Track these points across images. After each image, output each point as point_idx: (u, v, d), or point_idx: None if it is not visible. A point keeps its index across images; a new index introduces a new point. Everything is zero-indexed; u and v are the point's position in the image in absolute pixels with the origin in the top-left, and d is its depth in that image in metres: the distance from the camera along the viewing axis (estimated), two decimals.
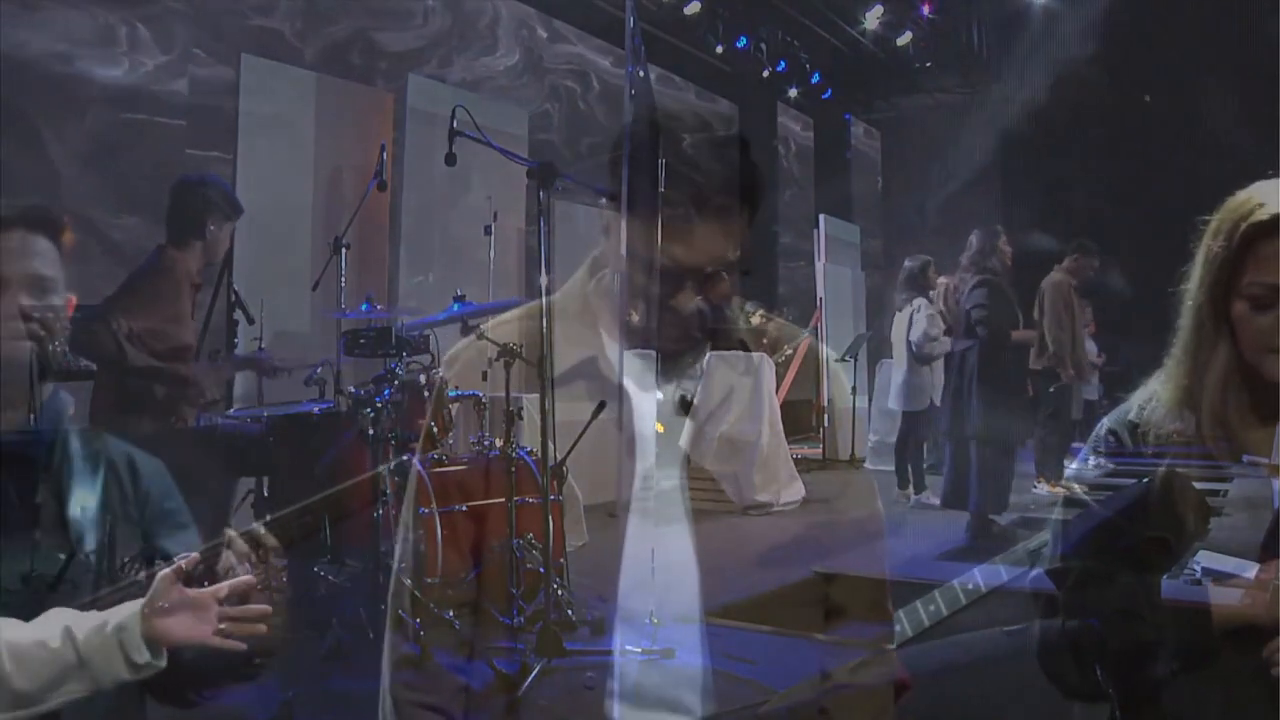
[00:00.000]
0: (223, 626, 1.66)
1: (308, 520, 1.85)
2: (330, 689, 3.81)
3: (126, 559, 1.84)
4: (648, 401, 1.63)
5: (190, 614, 1.64)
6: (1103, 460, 1.75)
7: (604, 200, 1.60)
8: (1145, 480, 1.67)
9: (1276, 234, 1.62)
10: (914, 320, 7.72)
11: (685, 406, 1.65)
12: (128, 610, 1.65)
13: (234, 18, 6.34)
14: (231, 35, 6.28)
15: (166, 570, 1.65)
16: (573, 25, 9.09)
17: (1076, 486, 1.76)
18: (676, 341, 1.62)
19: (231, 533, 1.79)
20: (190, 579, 1.68)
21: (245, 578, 1.72)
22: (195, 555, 1.70)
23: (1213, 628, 1.58)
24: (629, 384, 1.64)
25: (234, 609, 1.68)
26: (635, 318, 1.64)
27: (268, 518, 1.82)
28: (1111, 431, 1.75)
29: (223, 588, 1.68)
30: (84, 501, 1.84)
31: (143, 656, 1.62)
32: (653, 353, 1.66)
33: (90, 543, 1.83)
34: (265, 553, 1.78)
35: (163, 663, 1.65)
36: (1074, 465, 1.79)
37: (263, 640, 1.73)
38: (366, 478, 1.85)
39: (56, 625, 1.65)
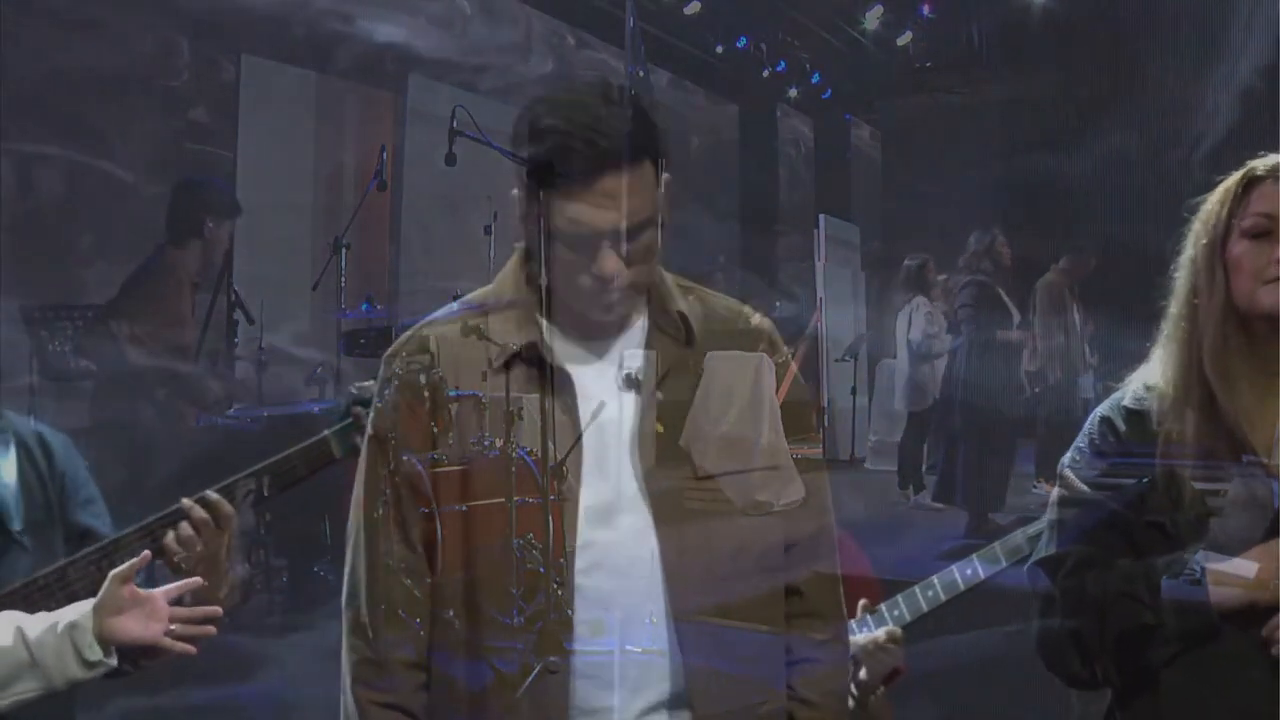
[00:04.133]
0: (173, 627, 1.68)
1: (259, 485, 1.86)
2: (330, 689, 3.81)
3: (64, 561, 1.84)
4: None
5: (142, 613, 1.66)
6: (1088, 448, 1.76)
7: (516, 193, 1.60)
8: (1140, 468, 1.68)
9: (1274, 178, 1.65)
10: (913, 319, 7.75)
11: (630, 383, 1.63)
12: (80, 609, 1.66)
13: (259, 24, 6.33)
14: (251, 40, 6.28)
15: (118, 569, 1.66)
16: (579, 30, 9.10)
17: (1069, 474, 1.76)
18: (606, 310, 1.61)
19: (187, 501, 1.80)
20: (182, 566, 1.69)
21: (193, 579, 1.75)
22: (148, 554, 1.72)
23: (1212, 609, 1.59)
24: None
25: (184, 610, 1.70)
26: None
27: (238, 476, 1.83)
28: (1105, 419, 1.75)
29: (172, 588, 1.71)
30: (4, 480, 1.85)
31: (95, 654, 1.63)
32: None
33: (17, 522, 1.84)
34: (222, 520, 1.79)
35: (114, 661, 1.66)
36: (1066, 455, 1.79)
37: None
38: (317, 440, 1.85)
39: (8, 626, 1.66)
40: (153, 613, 1.66)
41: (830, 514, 1.76)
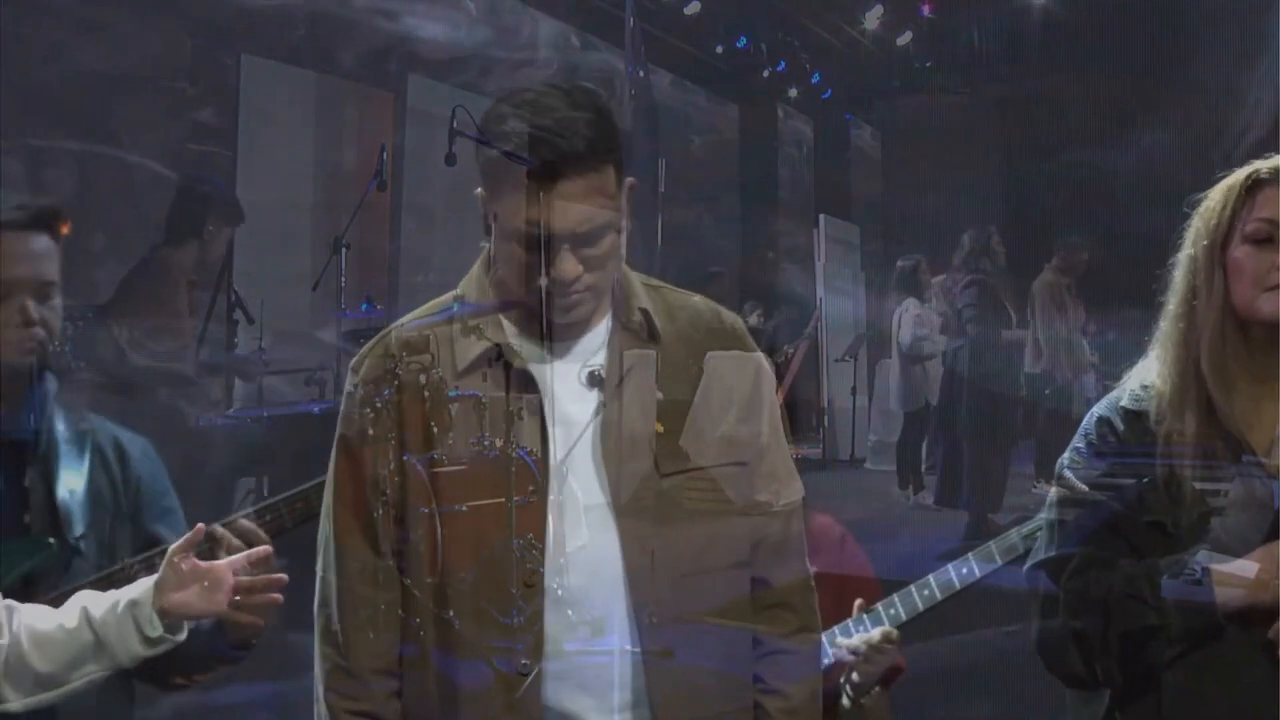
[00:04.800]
0: (237, 598, 1.65)
1: (297, 508, 1.84)
2: None
3: (127, 559, 1.82)
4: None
5: (205, 586, 1.62)
6: (1086, 448, 1.75)
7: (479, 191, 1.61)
8: (1139, 468, 1.68)
9: (1278, 182, 1.65)
10: (902, 321, 7.76)
11: (594, 380, 1.63)
12: (141, 586, 1.64)
13: (261, 25, 6.32)
14: (251, 40, 6.27)
15: (178, 543, 1.64)
16: (580, 30, 9.09)
17: (1068, 475, 1.76)
18: (564, 312, 1.60)
19: (220, 529, 1.78)
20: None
21: (262, 548, 1.71)
22: (202, 526, 1.69)
23: (1216, 610, 1.59)
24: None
25: (247, 580, 1.66)
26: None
27: (252, 509, 1.81)
28: (1103, 419, 1.74)
29: (237, 559, 1.66)
30: (71, 485, 1.83)
31: (155, 630, 1.61)
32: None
33: (79, 528, 1.81)
34: (255, 544, 1.77)
35: (180, 636, 1.63)
36: (1064, 455, 1.79)
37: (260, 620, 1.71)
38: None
39: (74, 607, 1.64)
40: (215, 584, 1.63)
41: (799, 512, 1.75)
